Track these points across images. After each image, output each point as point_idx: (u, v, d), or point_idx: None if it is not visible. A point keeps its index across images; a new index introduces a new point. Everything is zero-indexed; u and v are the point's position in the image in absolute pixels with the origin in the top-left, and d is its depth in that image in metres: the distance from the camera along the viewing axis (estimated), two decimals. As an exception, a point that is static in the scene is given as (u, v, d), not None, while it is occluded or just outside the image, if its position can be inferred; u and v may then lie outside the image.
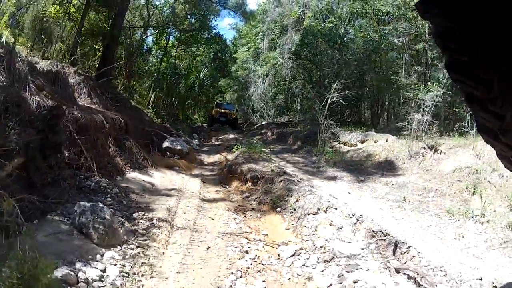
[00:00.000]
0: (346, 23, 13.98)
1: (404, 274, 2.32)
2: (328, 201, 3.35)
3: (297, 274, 2.22)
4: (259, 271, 2.18)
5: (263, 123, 16.32)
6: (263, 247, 2.61)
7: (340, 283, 2.14)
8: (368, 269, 2.35)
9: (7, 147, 2.66)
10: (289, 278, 2.16)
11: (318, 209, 3.23)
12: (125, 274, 1.74)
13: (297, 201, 3.50)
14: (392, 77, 10.56)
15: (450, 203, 4.05)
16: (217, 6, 13.24)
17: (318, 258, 2.47)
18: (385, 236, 2.78)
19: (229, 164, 5.97)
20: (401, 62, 10.54)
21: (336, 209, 3.21)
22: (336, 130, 8.54)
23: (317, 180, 5.14)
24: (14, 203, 1.83)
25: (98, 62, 9.61)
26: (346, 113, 11.69)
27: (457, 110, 8.36)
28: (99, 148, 3.96)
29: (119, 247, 2.06)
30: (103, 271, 1.74)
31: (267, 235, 2.93)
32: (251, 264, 2.25)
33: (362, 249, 2.70)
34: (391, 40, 10.88)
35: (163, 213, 2.90)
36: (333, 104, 8.39)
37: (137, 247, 2.11)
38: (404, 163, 6.13)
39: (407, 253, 2.57)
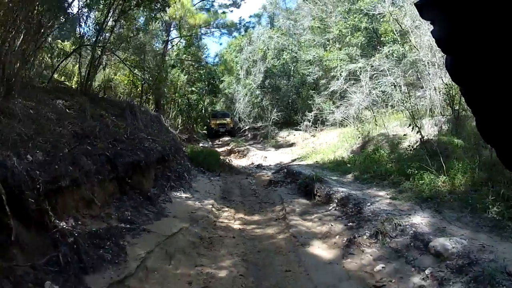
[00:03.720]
0: (290, 64, 24.71)
1: (264, 160, 13.15)
2: (256, 153, 14.25)
3: (246, 161, 13.06)
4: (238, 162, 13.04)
5: (246, 127, 26.97)
6: (239, 160, 13.44)
7: (253, 163, 12.98)
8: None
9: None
10: (244, 161, 12.98)
11: (254, 154, 14.13)
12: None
13: (249, 153, 14.39)
14: (310, 99, 21.37)
15: (292, 151, 14.87)
16: (212, 66, 23.95)
17: (251, 163, 13.30)
18: (265, 157, 13.65)
19: (229, 149, 16.74)
20: (312, 91, 21.25)
21: (257, 153, 14.13)
22: (277, 131, 19.46)
23: (261, 151, 15.92)
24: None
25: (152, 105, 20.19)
26: (285, 119, 22.56)
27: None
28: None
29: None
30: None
31: (241, 160, 13.75)
32: (237, 158, 13.07)
33: (262, 161, 13.54)
34: (308, 79, 21.69)
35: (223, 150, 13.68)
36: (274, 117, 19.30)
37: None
38: (299, 143, 17.04)
39: (267, 158, 13.42)
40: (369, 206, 4.74)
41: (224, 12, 25.90)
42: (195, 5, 23.37)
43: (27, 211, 2.56)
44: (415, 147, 7.49)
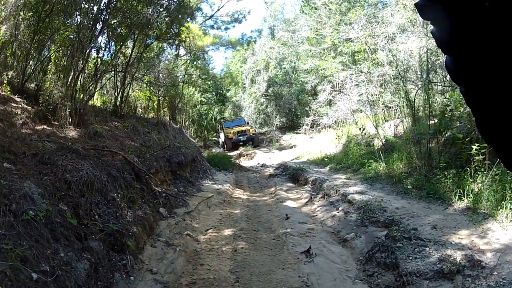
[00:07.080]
0: (290, 73, 27.71)
1: (268, 160, 16.14)
2: (262, 155, 17.28)
3: (253, 162, 16.06)
4: (246, 163, 16.04)
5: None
6: (248, 161, 16.44)
7: (258, 163, 15.99)
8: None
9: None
10: (252, 162, 15.98)
11: (260, 156, 17.15)
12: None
13: (256, 156, 17.42)
14: (308, 104, 24.31)
15: (293, 152, 17.82)
16: (219, 78, 27.12)
17: (258, 163, 16.30)
18: (269, 158, 16.65)
19: (239, 153, 19.78)
20: (310, 98, 24.19)
21: (263, 156, 17.15)
22: (281, 135, 22.45)
23: (267, 153, 18.93)
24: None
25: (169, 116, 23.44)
26: (288, 124, 25.54)
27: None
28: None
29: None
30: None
31: (250, 162, 16.76)
32: (246, 160, 16.08)
33: (266, 161, 16.53)
34: (307, 87, 24.65)
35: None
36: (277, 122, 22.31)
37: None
38: (299, 144, 20.05)
39: (270, 159, 16.40)
40: (327, 183, 7.68)
41: (227, 28, 29.12)
42: (201, 23, 26.71)
43: (142, 181, 5.61)
44: (380, 144, 10.37)
